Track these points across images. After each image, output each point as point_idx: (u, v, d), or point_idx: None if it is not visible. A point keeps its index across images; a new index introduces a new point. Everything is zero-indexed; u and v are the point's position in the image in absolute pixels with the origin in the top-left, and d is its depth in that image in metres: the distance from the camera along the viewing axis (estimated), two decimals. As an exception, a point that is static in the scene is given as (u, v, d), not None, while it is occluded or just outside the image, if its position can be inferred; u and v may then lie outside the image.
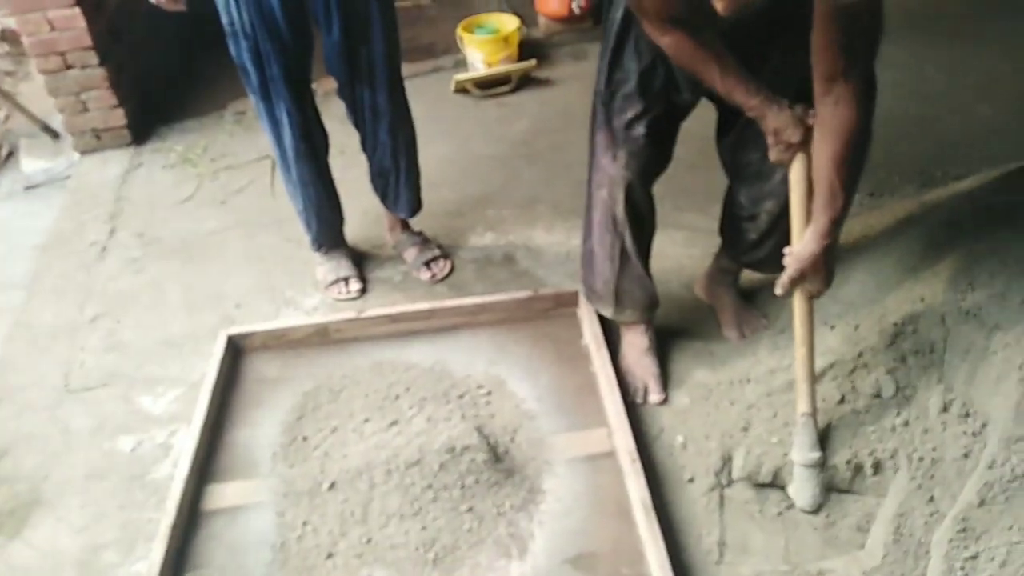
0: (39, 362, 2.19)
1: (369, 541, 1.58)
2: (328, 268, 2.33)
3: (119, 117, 3.12)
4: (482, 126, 3.16)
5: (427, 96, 3.20)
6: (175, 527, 1.60)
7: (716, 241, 2.11)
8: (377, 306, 2.19)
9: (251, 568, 1.58)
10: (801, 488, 1.57)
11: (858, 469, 1.54)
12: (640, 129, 1.64)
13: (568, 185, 2.74)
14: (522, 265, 2.40)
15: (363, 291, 2.31)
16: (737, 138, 1.72)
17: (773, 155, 1.49)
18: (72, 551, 1.68)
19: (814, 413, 1.57)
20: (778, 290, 1.50)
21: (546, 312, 2.15)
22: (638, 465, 1.62)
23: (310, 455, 1.75)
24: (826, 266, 1.47)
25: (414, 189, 2.29)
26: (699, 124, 1.89)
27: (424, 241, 2.41)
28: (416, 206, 2.33)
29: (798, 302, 1.54)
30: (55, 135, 3.38)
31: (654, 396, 1.87)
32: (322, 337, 2.12)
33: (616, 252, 1.79)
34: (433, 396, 1.81)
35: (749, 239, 1.82)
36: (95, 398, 2.05)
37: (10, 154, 3.47)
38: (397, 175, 2.22)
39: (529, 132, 3.07)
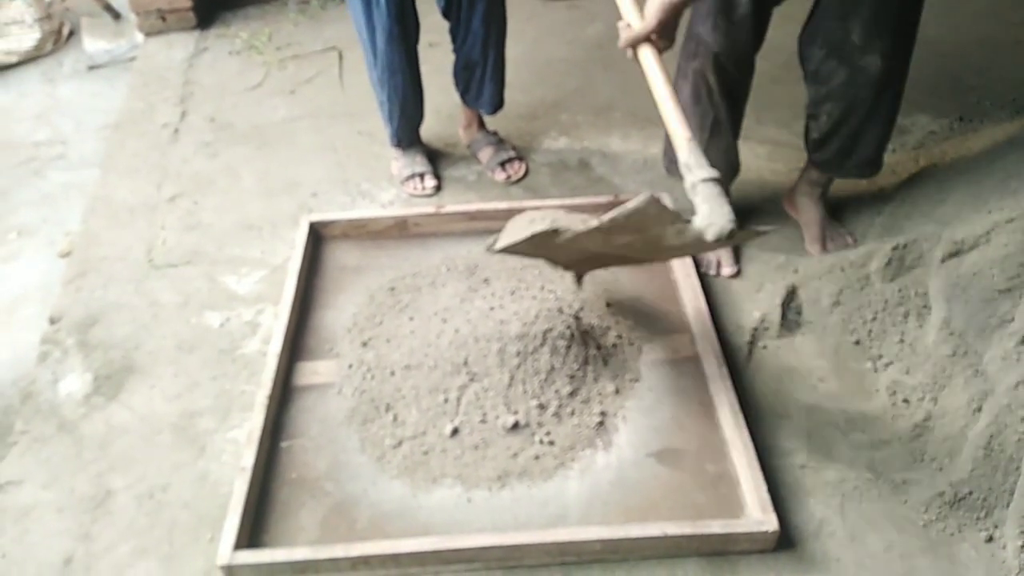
0: (121, 237, 2.23)
1: (458, 418, 1.62)
2: (404, 163, 2.32)
3: (185, -1, 3.07)
4: (553, 29, 3.07)
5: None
6: (271, 398, 1.65)
7: (800, 156, 2.09)
8: (452, 204, 2.18)
9: (343, 441, 1.64)
10: (717, 208, 1.32)
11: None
12: None
13: (645, 93, 2.63)
14: (598, 171, 2.38)
15: (438, 188, 2.31)
16: (806, 30, 1.78)
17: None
18: (169, 415, 1.75)
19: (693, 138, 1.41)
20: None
21: (625, 218, 2.13)
22: (725, 369, 1.64)
23: (396, 337, 1.78)
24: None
25: (499, 84, 2.25)
26: (782, 35, 1.85)
27: (499, 141, 2.39)
28: (499, 102, 2.29)
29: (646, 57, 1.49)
30: (116, 15, 3.33)
31: (727, 269, 1.94)
32: (401, 230, 2.13)
33: (708, 123, 1.83)
34: (521, 283, 1.81)
35: (813, 138, 1.90)
36: (179, 275, 2.09)
37: (71, 33, 3.44)
38: (484, 68, 2.18)
39: (603, 36, 2.99)
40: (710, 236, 1.32)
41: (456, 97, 2.34)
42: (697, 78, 1.77)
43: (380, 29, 1.99)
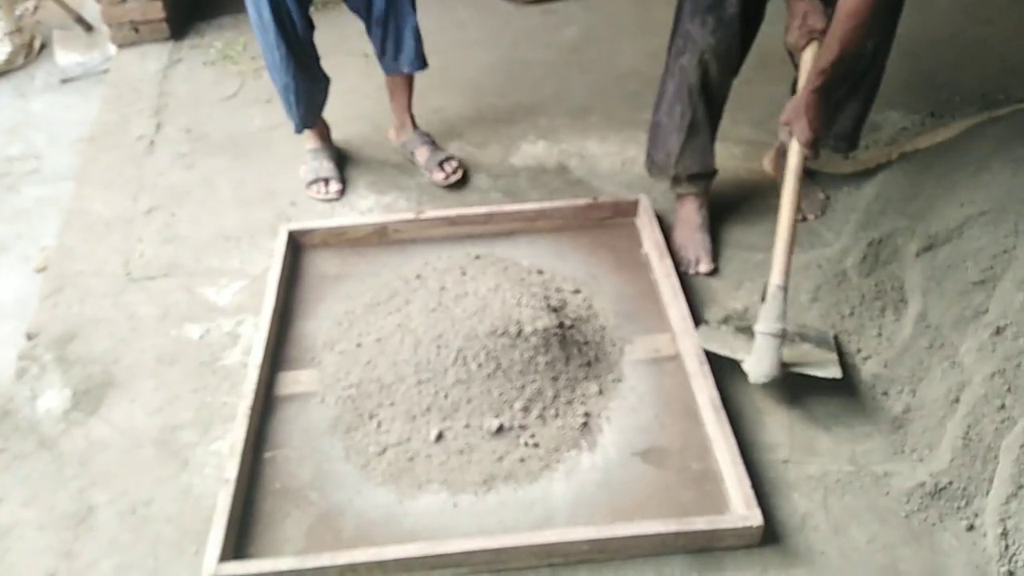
0: (97, 250, 2.21)
1: (442, 423, 1.62)
2: (309, 168, 2.31)
3: (157, 10, 3.04)
4: (528, 33, 3.08)
5: (468, 1, 3.12)
6: (253, 409, 1.64)
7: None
8: (431, 210, 2.18)
9: (327, 450, 1.63)
10: (759, 360, 1.58)
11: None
12: None
13: (621, 96, 2.70)
14: (576, 174, 2.39)
15: (342, 192, 2.30)
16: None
17: (791, 37, 1.69)
18: (149, 430, 1.73)
19: (786, 287, 1.61)
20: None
21: (604, 221, 2.15)
22: (707, 367, 1.65)
23: (377, 344, 1.77)
24: (808, 113, 1.62)
25: (416, 39, 2.13)
26: (758, 39, 1.88)
27: (433, 142, 2.36)
28: (421, 59, 2.17)
29: (791, 162, 1.65)
30: (88, 27, 3.30)
31: (703, 266, 2.00)
32: (380, 237, 2.13)
33: (686, 123, 1.89)
34: (506, 279, 1.81)
35: None
36: (158, 287, 2.07)
37: (43, 46, 3.40)
38: (397, 19, 2.08)
39: (578, 40, 3.00)
40: (751, 380, 1.60)
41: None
42: (682, 75, 1.82)
43: (260, 23, 2.00)
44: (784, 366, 1.58)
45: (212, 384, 1.81)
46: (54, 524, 1.56)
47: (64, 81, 3.22)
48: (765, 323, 1.60)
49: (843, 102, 1.91)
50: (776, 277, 1.62)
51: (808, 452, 1.57)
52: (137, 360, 1.88)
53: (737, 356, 1.63)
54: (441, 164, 2.29)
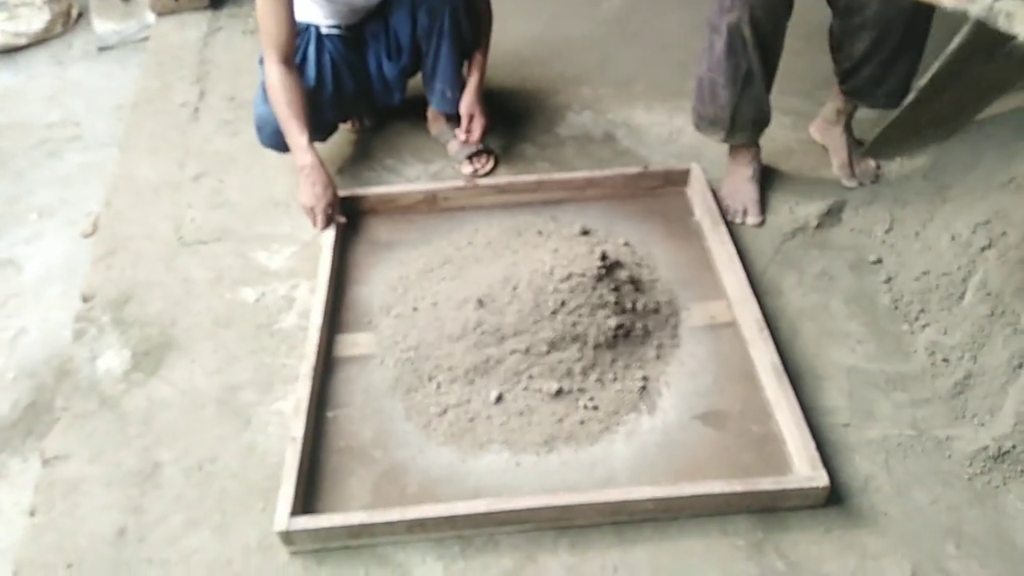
0: (147, 215, 2.22)
1: (501, 386, 1.63)
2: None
3: (197, -22, 3.04)
4: (568, 5, 3.06)
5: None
6: (315, 369, 1.66)
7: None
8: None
9: (388, 410, 1.65)
10: None
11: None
12: None
13: (667, 66, 2.69)
14: (623, 144, 2.38)
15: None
16: None
17: None
18: (210, 389, 1.75)
19: None
20: None
21: (654, 189, 2.15)
22: (766, 333, 1.65)
23: (434, 308, 1.78)
24: None
25: (447, 83, 2.17)
26: (804, 9, 1.87)
27: None
28: (447, 102, 2.21)
29: None
30: (125, -4, 3.29)
31: (751, 218, 2.01)
32: (430, 204, 2.13)
33: (740, 74, 1.86)
34: (561, 244, 1.80)
35: (844, 67, 1.97)
36: (210, 252, 2.09)
37: (80, 15, 3.41)
38: (435, 58, 2.13)
39: (621, 11, 2.98)
40: None
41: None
42: (732, 31, 1.80)
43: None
44: None
45: (270, 346, 1.83)
46: (121, 480, 1.59)
47: (101, 49, 3.24)
48: None
49: (895, 56, 1.88)
50: None
51: (868, 417, 1.58)
52: (194, 322, 1.90)
53: None
54: (471, 157, 2.27)
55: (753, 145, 2.08)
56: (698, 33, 2.72)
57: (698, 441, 1.54)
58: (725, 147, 2.15)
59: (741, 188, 2.06)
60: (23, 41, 3.20)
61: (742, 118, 1.96)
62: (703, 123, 2.04)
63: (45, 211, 2.55)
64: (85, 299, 2.00)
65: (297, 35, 2.03)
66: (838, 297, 1.83)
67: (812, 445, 1.44)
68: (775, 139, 2.22)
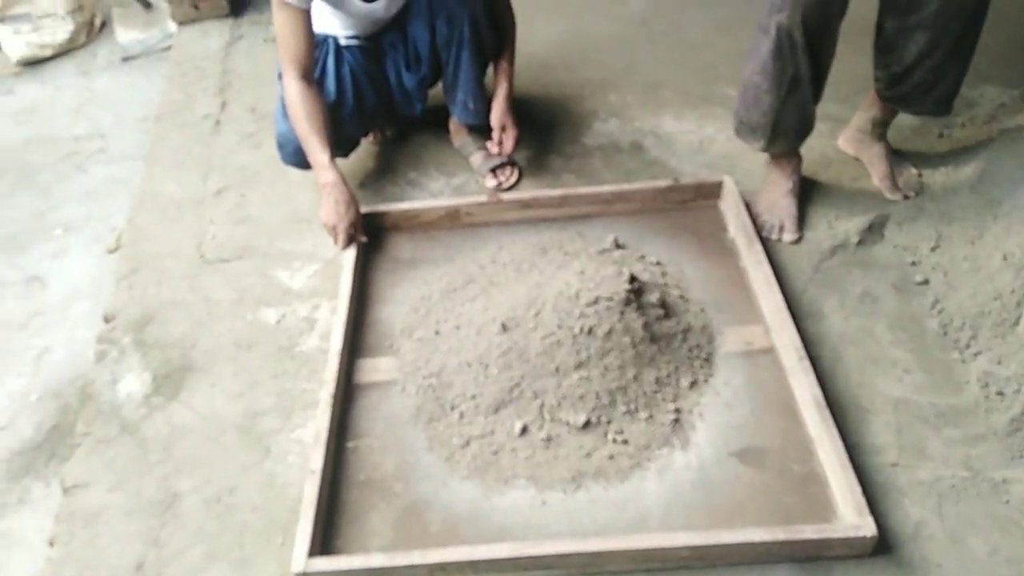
0: (170, 232, 2.20)
1: (526, 416, 1.57)
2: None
3: (218, -14, 3.01)
4: (593, 4, 2.97)
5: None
6: (335, 397, 1.61)
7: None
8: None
9: (409, 440, 1.60)
10: None
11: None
12: None
13: (694, 70, 2.60)
14: (652, 154, 2.30)
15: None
16: None
17: None
18: (231, 416, 1.72)
19: None
20: None
21: (685, 203, 2.06)
22: (807, 362, 1.57)
23: (456, 331, 1.73)
24: None
25: (469, 93, 2.09)
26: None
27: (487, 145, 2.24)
28: (471, 113, 2.13)
29: None
30: (148, 5, 3.28)
31: (788, 235, 1.92)
32: (453, 220, 2.07)
33: (786, 79, 1.75)
34: (588, 264, 1.73)
35: (893, 71, 1.85)
36: (232, 270, 2.05)
37: (103, 24, 3.40)
38: (456, 68, 2.06)
39: (645, 10, 2.89)
40: None
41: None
42: (781, 32, 1.68)
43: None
44: None
45: (291, 370, 1.79)
46: (141, 510, 1.57)
47: (125, 59, 3.23)
48: None
49: (949, 60, 1.78)
50: None
51: (918, 455, 1.49)
52: (215, 344, 1.87)
53: None
54: (495, 170, 2.19)
55: (793, 155, 1.98)
56: (724, 32, 2.62)
57: (735, 480, 1.47)
58: (759, 158, 2.06)
59: (779, 202, 1.96)
60: (48, 52, 3.20)
61: (784, 126, 1.85)
62: (743, 129, 1.93)
63: (71, 226, 2.54)
64: (107, 319, 1.98)
65: (316, 47, 1.98)
66: (882, 321, 1.74)
67: (858, 489, 1.36)
68: (812, 148, 2.11)
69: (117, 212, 2.47)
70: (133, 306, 1.99)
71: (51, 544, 1.54)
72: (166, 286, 2.04)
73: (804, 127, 1.89)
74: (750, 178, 2.13)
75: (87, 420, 1.75)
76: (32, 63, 3.21)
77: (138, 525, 1.54)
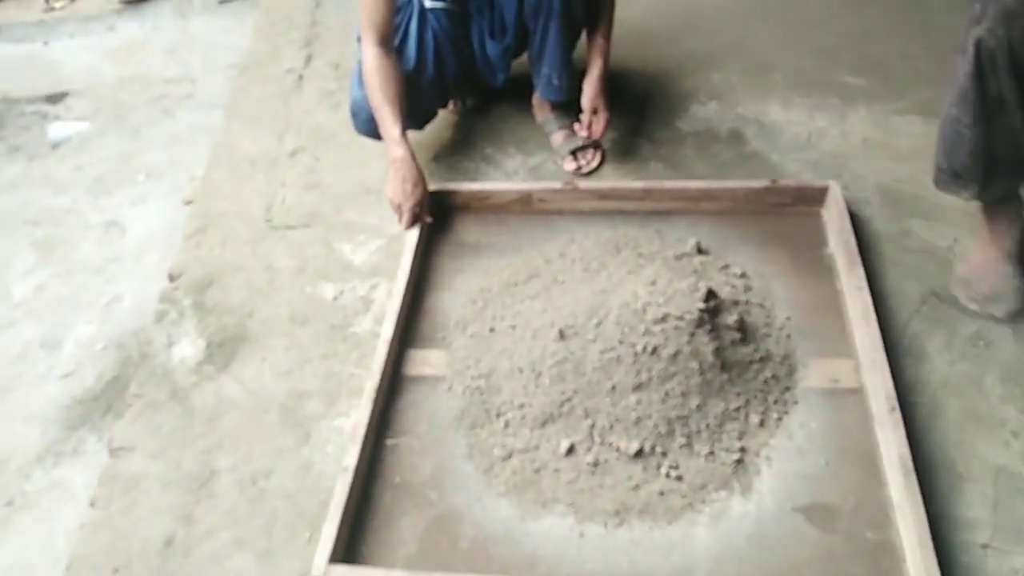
0: (241, 191, 2.18)
1: (574, 435, 1.46)
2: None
3: (315, -70, 2.91)
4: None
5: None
6: (379, 390, 1.55)
7: None
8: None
9: (450, 445, 1.52)
10: None
11: None
12: None
13: (810, 51, 2.34)
14: (752, 145, 2.09)
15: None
16: None
17: None
18: (277, 393, 1.68)
19: None
20: None
21: (782, 208, 1.86)
22: (897, 414, 1.38)
23: (512, 332, 1.62)
24: None
25: (555, 67, 1.94)
26: None
27: (572, 125, 2.08)
28: (555, 90, 1.99)
29: None
30: (248, -55, 3.23)
31: (1002, 308, 1.55)
32: (524, 205, 1.95)
33: (989, 104, 1.38)
34: (663, 271, 1.58)
35: None
36: (296, 238, 2.01)
37: (205, -37, 3.38)
38: (543, 40, 1.90)
39: (765, -19, 2.61)
40: None
41: None
42: (979, 49, 1.35)
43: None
44: None
45: (342, 352, 1.74)
46: (178, 483, 1.56)
47: (222, 2, 3.21)
48: None
49: None
50: None
51: (1016, 539, 1.29)
52: (271, 315, 1.84)
53: None
54: (575, 152, 2.04)
55: (1011, 203, 1.58)
56: (848, 11, 2.33)
57: (798, 540, 1.31)
58: (874, 161, 1.81)
59: (994, 268, 1.57)
60: (148, -9, 3.21)
61: (995, 162, 1.45)
62: (943, 178, 1.55)
63: (153, 172, 2.57)
64: (172, 278, 1.98)
65: (398, 11, 1.87)
66: (994, 371, 1.51)
67: (937, 572, 1.19)
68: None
69: (197, 161, 2.47)
70: (197, 267, 1.98)
71: (92, 504, 1.56)
72: (231, 248, 2.02)
73: (1022, 161, 1.47)
74: (860, 184, 1.90)
75: (140, 381, 1.76)
76: (134, 2, 3.24)
77: (173, 499, 1.54)
